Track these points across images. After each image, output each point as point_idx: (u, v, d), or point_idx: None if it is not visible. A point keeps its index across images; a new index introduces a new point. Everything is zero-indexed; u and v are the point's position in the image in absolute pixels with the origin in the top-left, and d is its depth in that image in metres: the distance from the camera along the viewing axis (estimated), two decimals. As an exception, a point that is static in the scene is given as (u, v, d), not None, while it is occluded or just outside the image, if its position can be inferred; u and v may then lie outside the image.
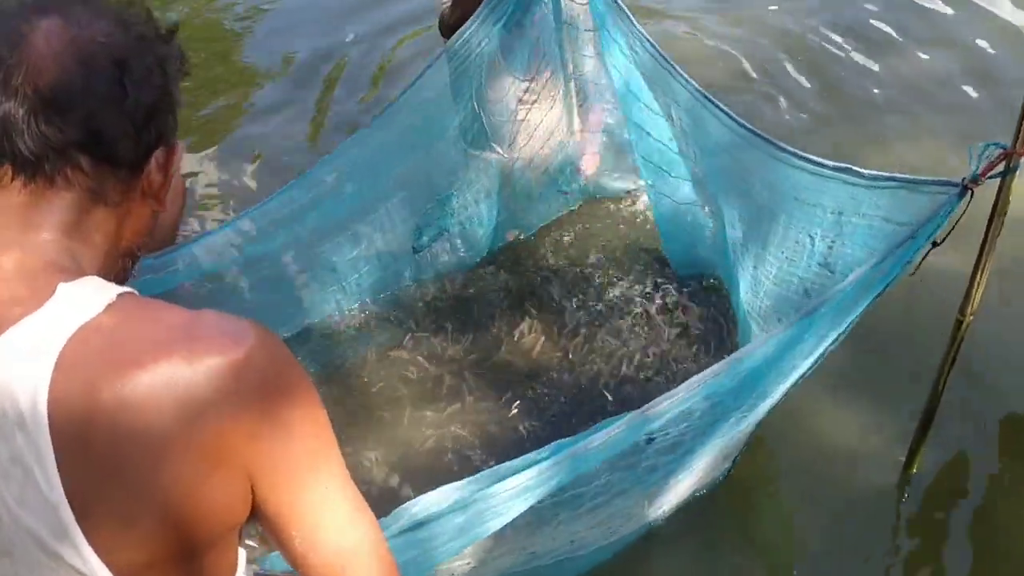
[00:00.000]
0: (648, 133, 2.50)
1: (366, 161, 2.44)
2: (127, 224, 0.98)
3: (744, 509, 2.35)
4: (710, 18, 4.67)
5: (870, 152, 3.62)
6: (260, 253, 2.39)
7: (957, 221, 1.60)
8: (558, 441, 1.73)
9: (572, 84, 2.77)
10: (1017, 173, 1.68)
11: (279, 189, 2.37)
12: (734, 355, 1.65)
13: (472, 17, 2.40)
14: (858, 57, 4.31)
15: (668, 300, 2.77)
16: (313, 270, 2.59)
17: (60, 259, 0.90)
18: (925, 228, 1.61)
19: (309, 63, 4.56)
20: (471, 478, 1.69)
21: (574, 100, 2.81)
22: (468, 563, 1.83)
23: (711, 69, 4.21)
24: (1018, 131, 1.64)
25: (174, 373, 0.82)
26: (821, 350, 1.81)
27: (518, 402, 2.50)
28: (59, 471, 0.81)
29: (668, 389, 2.37)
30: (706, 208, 2.51)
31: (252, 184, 3.74)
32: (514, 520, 1.58)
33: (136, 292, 0.91)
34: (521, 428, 2.45)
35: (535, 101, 2.75)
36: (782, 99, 4.05)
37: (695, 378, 1.61)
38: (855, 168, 1.75)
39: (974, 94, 3.95)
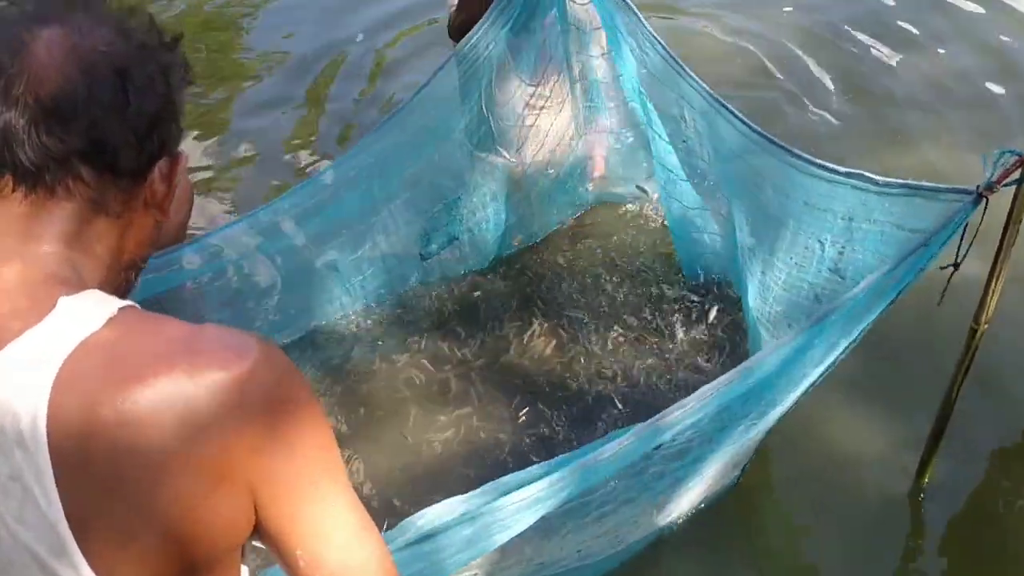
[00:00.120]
0: (659, 135, 2.49)
1: (373, 165, 2.43)
2: (129, 235, 0.96)
3: (754, 517, 2.33)
4: (727, 14, 4.67)
5: (889, 150, 3.62)
6: (264, 254, 2.38)
7: (974, 237, 1.58)
8: (566, 455, 1.72)
9: (578, 87, 2.74)
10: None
11: (283, 192, 2.37)
12: (744, 364, 1.63)
13: (480, 21, 2.39)
14: (878, 54, 4.30)
15: (678, 305, 2.74)
16: (317, 272, 2.58)
17: (61, 271, 0.89)
18: (938, 236, 1.59)
19: (307, 58, 4.57)
20: (478, 490, 1.67)
21: (580, 104, 2.78)
22: (475, 575, 1.82)
23: (730, 65, 4.22)
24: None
25: (175, 388, 0.81)
26: (832, 358, 1.80)
27: (527, 408, 2.48)
28: (58, 488, 0.80)
29: (678, 395, 2.44)
30: (721, 211, 2.48)
31: (248, 178, 3.75)
32: (521, 531, 1.56)
33: (137, 305, 0.89)
34: (529, 435, 2.42)
35: (543, 106, 2.73)
36: (802, 96, 4.05)
37: (706, 388, 1.58)
38: (867, 174, 1.72)
39: (996, 91, 3.92)
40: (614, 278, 2.87)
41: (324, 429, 0.91)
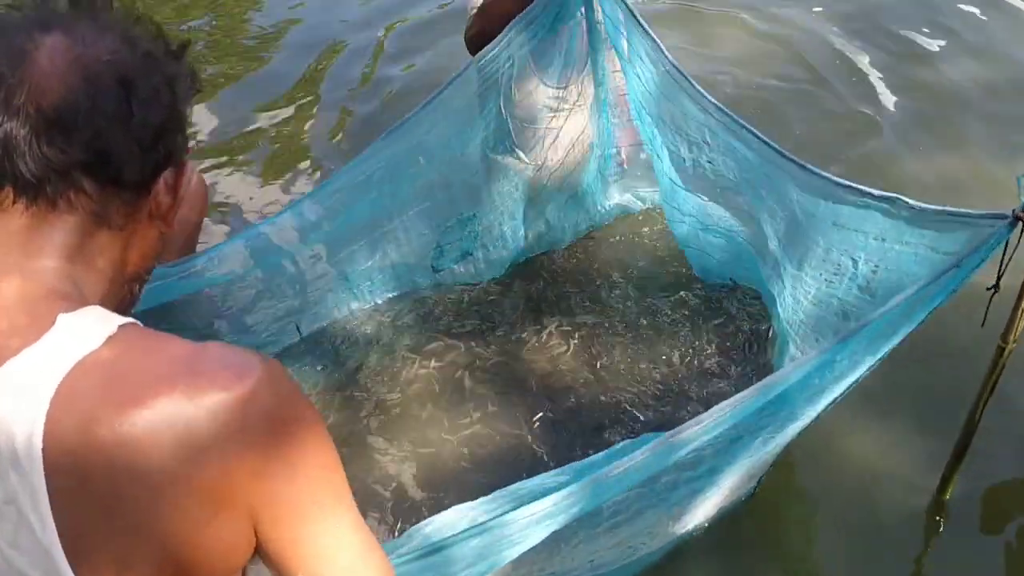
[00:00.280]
0: (658, 153, 2.46)
1: (384, 172, 2.39)
2: (133, 247, 0.95)
3: (770, 529, 2.29)
4: (763, 4, 4.63)
5: (932, 150, 3.58)
6: (274, 262, 2.37)
7: (1010, 258, 1.54)
8: (578, 464, 1.70)
9: (601, 90, 2.70)
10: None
11: (286, 183, 2.35)
12: (765, 381, 1.60)
13: (502, 34, 2.35)
14: (920, 49, 4.25)
15: (696, 313, 2.70)
16: (326, 277, 2.57)
17: (62, 286, 0.87)
18: (971, 259, 1.55)
19: (310, 42, 4.60)
20: (487, 497, 1.66)
21: (601, 108, 2.74)
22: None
23: (766, 56, 4.22)
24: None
25: (175, 410, 0.79)
26: (856, 375, 1.77)
27: (540, 413, 2.45)
28: (53, 512, 0.78)
29: (693, 402, 2.41)
30: (742, 221, 2.44)
31: (250, 174, 3.73)
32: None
33: (139, 322, 0.87)
34: (542, 440, 2.39)
35: (565, 110, 2.68)
36: (841, 90, 4.01)
37: (724, 404, 1.55)
38: (900, 198, 1.69)
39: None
40: (631, 284, 2.83)
41: (327, 449, 0.89)
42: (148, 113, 0.89)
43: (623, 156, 2.94)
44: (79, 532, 0.79)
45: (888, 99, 3.96)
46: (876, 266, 1.80)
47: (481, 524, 1.45)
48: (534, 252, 2.91)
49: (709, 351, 2.58)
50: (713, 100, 2.16)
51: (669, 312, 2.71)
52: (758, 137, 2.02)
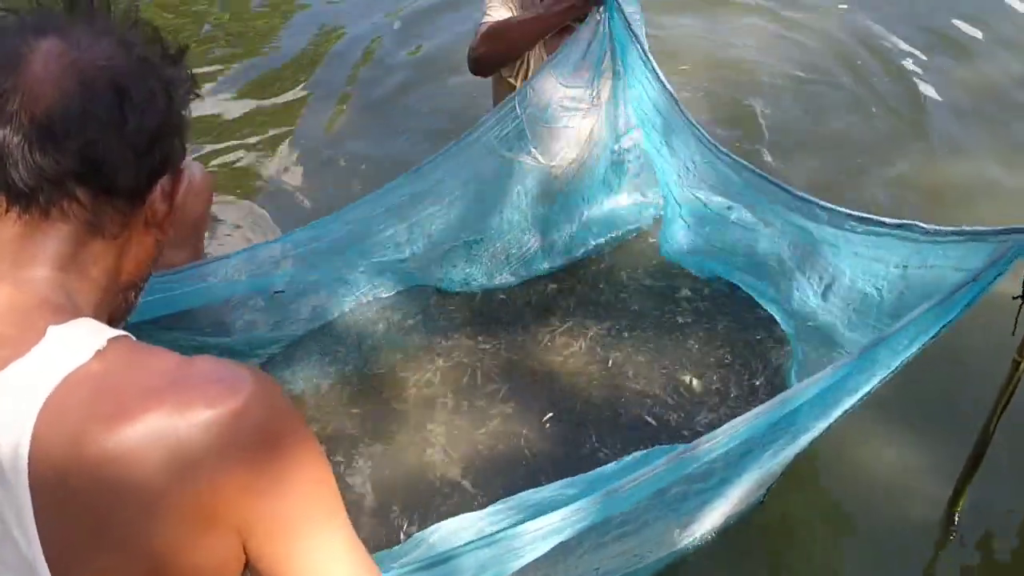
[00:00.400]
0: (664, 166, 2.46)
1: (401, 205, 2.46)
2: (128, 256, 0.93)
3: (780, 538, 2.27)
4: (781, 8, 4.59)
5: (947, 160, 3.54)
6: (275, 278, 2.39)
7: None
8: (587, 476, 1.69)
9: (618, 90, 2.67)
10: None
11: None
12: (780, 396, 1.59)
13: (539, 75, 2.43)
14: (938, 55, 4.20)
15: (709, 320, 2.67)
16: (330, 281, 2.59)
17: (54, 296, 0.85)
18: (987, 273, 1.53)
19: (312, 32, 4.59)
20: (493, 508, 1.65)
21: (616, 109, 2.71)
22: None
23: (785, 60, 4.18)
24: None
25: (163, 425, 0.77)
26: (868, 388, 1.75)
27: (549, 416, 2.43)
28: (38, 528, 0.76)
29: (707, 410, 2.39)
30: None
31: (265, 168, 3.73)
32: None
33: (131, 335, 0.85)
34: (551, 445, 2.36)
35: (582, 109, 2.65)
36: (859, 95, 3.98)
37: (738, 420, 1.54)
38: (916, 224, 1.68)
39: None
40: (641, 288, 2.80)
41: (319, 465, 0.88)
42: (143, 120, 0.87)
43: (637, 161, 2.90)
44: (65, 548, 0.78)
45: (924, 91, 3.94)
46: (902, 292, 1.79)
47: (487, 536, 1.44)
48: (543, 268, 2.87)
49: (719, 358, 2.55)
50: (715, 143, 2.20)
51: (679, 318, 2.69)
52: (769, 180, 2.02)
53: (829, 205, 1.90)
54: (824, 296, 2.01)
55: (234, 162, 3.74)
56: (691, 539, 2.11)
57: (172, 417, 0.78)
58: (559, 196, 2.81)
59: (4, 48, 0.85)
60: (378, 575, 0.93)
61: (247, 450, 0.80)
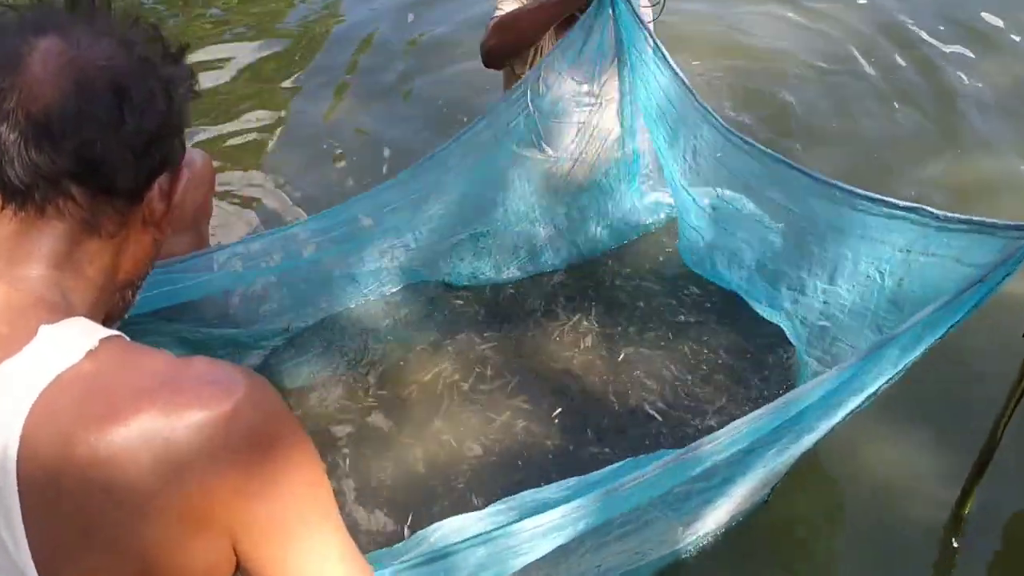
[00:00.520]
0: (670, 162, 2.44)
1: (410, 199, 2.45)
2: (125, 254, 0.92)
3: (784, 538, 2.24)
4: (800, 1, 4.56)
5: (970, 154, 3.49)
6: (282, 265, 2.38)
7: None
8: (589, 476, 1.67)
9: (627, 86, 2.65)
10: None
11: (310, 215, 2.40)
12: (785, 398, 1.57)
13: (545, 63, 2.39)
14: (964, 48, 4.15)
15: (717, 320, 2.65)
16: (336, 276, 2.58)
17: (48, 295, 0.85)
18: (996, 272, 1.51)
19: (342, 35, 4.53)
20: (494, 508, 1.64)
21: (628, 105, 2.69)
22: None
23: (804, 54, 4.14)
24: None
25: (153, 426, 0.77)
26: (875, 388, 1.73)
27: (554, 414, 2.42)
28: (26, 530, 0.76)
29: (713, 410, 2.37)
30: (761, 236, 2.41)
31: (263, 154, 3.72)
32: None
33: (124, 336, 0.85)
34: (556, 441, 2.36)
35: (593, 105, 2.62)
36: (883, 87, 3.95)
37: (740, 421, 1.53)
38: (926, 208, 1.65)
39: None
40: (649, 287, 2.78)
41: (312, 468, 0.87)
42: (142, 120, 0.87)
43: (648, 157, 2.88)
44: (54, 549, 0.77)
45: (948, 85, 3.90)
46: (901, 279, 1.77)
47: (487, 533, 1.43)
48: (552, 265, 2.85)
49: (728, 358, 2.54)
50: (722, 122, 2.17)
51: (689, 317, 2.67)
52: (777, 158, 1.99)
53: (842, 184, 1.87)
54: (831, 281, 1.99)
55: (234, 145, 3.75)
56: (694, 538, 2.09)
57: (163, 418, 0.77)
58: (569, 191, 2.79)
59: (4, 46, 0.85)
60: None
61: (239, 453, 0.80)
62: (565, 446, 2.35)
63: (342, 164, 3.63)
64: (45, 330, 0.81)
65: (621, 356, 2.57)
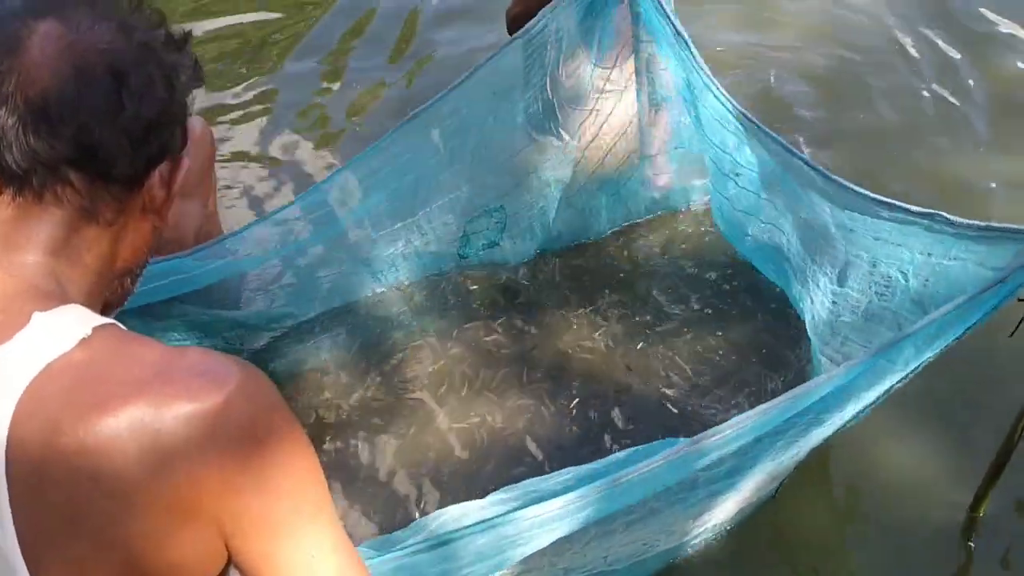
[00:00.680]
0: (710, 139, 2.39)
1: (410, 158, 2.36)
2: (124, 242, 0.92)
3: (792, 535, 2.22)
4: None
5: (997, 160, 3.43)
6: (292, 249, 2.37)
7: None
8: (594, 465, 1.66)
9: (644, 73, 2.61)
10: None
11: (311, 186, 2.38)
12: (793, 392, 1.55)
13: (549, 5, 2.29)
14: (987, 52, 4.06)
15: (733, 310, 2.62)
16: (348, 262, 2.55)
17: (43, 283, 0.84)
18: (1017, 274, 1.48)
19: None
20: (496, 496, 1.62)
21: (645, 90, 2.65)
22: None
23: (828, 45, 4.09)
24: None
25: (143, 417, 0.76)
26: (887, 385, 1.70)
27: (564, 402, 2.40)
28: (13, 516, 0.76)
29: (725, 400, 2.35)
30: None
31: (264, 141, 3.71)
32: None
33: (119, 324, 0.84)
34: (566, 429, 2.34)
35: (614, 91, 2.59)
36: (913, 78, 3.88)
37: (747, 414, 1.51)
38: (942, 215, 1.62)
39: None
40: (664, 276, 2.75)
41: (305, 461, 0.86)
42: (141, 106, 0.86)
43: (664, 141, 2.84)
44: (40, 536, 0.77)
45: (957, 88, 3.82)
46: (927, 280, 1.74)
47: (487, 521, 1.42)
48: (566, 241, 2.84)
49: (742, 349, 2.51)
50: (740, 108, 2.11)
51: (708, 307, 2.64)
52: (788, 150, 1.95)
53: (855, 187, 1.84)
54: (840, 282, 1.95)
55: (237, 117, 3.75)
56: (702, 530, 2.08)
57: (152, 410, 0.77)
58: (586, 176, 2.76)
59: (3, 29, 0.84)
60: (365, 573, 0.91)
61: (229, 445, 0.79)
62: (576, 436, 2.33)
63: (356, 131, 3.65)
64: (38, 317, 0.80)
65: (631, 346, 2.55)
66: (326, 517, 0.87)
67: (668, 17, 2.23)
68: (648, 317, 2.62)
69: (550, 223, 2.75)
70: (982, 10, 4.28)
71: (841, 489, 2.34)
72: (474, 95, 2.34)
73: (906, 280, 1.80)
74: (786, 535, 2.21)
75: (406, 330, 2.60)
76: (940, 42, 4.11)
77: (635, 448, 1.71)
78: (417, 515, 2.14)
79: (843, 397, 1.68)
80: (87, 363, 0.78)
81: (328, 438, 2.32)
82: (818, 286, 2.04)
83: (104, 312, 0.89)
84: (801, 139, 3.49)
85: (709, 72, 2.16)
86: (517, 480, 1.67)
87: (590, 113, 2.62)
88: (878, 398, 1.73)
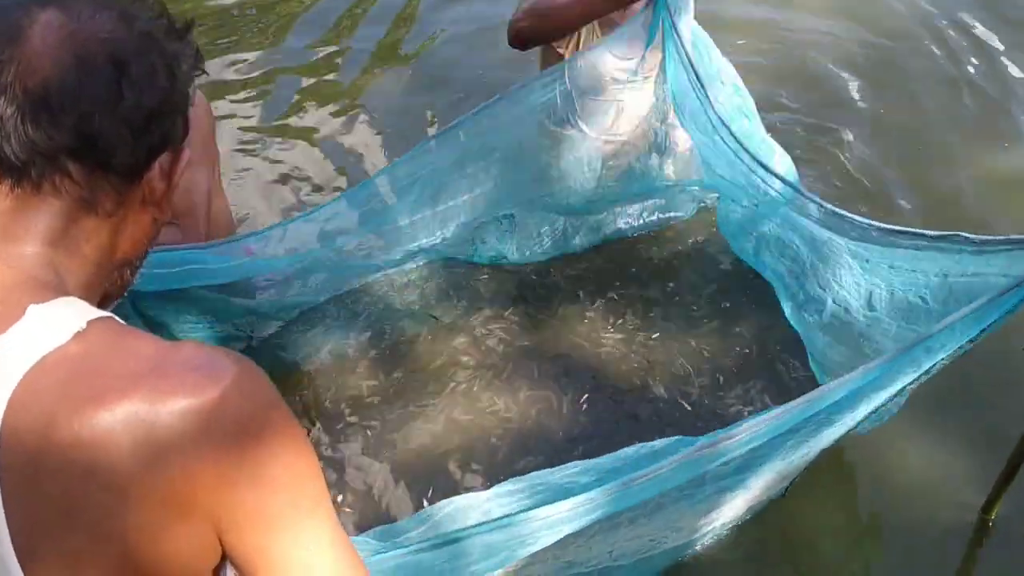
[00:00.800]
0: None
1: (429, 175, 2.42)
2: (123, 233, 0.91)
3: (801, 535, 2.21)
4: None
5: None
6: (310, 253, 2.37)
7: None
8: (602, 463, 1.65)
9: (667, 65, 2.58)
10: None
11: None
12: (806, 397, 1.55)
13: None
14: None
15: (745, 312, 2.60)
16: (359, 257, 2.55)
17: (41, 274, 0.84)
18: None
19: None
20: (501, 488, 1.62)
21: (664, 84, 2.62)
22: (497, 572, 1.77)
23: (861, 32, 4.05)
24: None
25: (138, 411, 0.76)
26: (899, 387, 1.69)
27: (572, 396, 2.39)
28: (5, 510, 0.76)
29: (735, 401, 2.34)
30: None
31: (267, 117, 3.70)
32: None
33: (115, 317, 0.84)
34: (574, 422, 2.34)
35: (635, 82, 2.55)
36: (947, 67, 3.84)
37: (761, 419, 1.51)
38: (960, 235, 1.62)
39: None
40: (677, 276, 2.74)
41: (302, 457, 0.85)
42: (141, 96, 0.85)
43: (681, 141, 2.81)
44: (33, 529, 0.77)
45: (1009, 67, 3.79)
46: (946, 300, 1.73)
47: (493, 521, 1.42)
48: (578, 246, 2.82)
49: (758, 349, 2.50)
50: (751, 153, 2.16)
51: (718, 307, 2.62)
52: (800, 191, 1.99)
53: (865, 221, 1.87)
54: (870, 307, 1.95)
55: (265, 116, 3.73)
56: (711, 528, 2.07)
57: (147, 404, 0.76)
58: (602, 172, 2.72)
59: (5, 18, 0.84)
60: (362, 569, 0.91)
61: (224, 440, 0.79)
62: (586, 429, 2.33)
63: (378, 132, 3.61)
64: (34, 309, 0.80)
65: (642, 344, 2.53)
66: (323, 512, 0.87)
67: (689, 62, 2.25)
68: (661, 313, 2.61)
69: (561, 228, 2.76)
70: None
71: (852, 489, 2.32)
72: (496, 124, 2.42)
73: (927, 304, 1.80)
74: (796, 534, 2.20)
75: (415, 320, 2.59)
76: (978, 25, 4.06)
77: (644, 444, 1.70)
78: (425, 503, 2.14)
79: (855, 399, 1.67)
80: (82, 356, 0.78)
81: (337, 426, 2.32)
82: (846, 305, 2.04)
83: (103, 303, 0.89)
84: (835, 129, 3.46)
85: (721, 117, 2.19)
86: (525, 472, 1.67)
87: (612, 105, 2.59)
88: (893, 402, 1.72)
